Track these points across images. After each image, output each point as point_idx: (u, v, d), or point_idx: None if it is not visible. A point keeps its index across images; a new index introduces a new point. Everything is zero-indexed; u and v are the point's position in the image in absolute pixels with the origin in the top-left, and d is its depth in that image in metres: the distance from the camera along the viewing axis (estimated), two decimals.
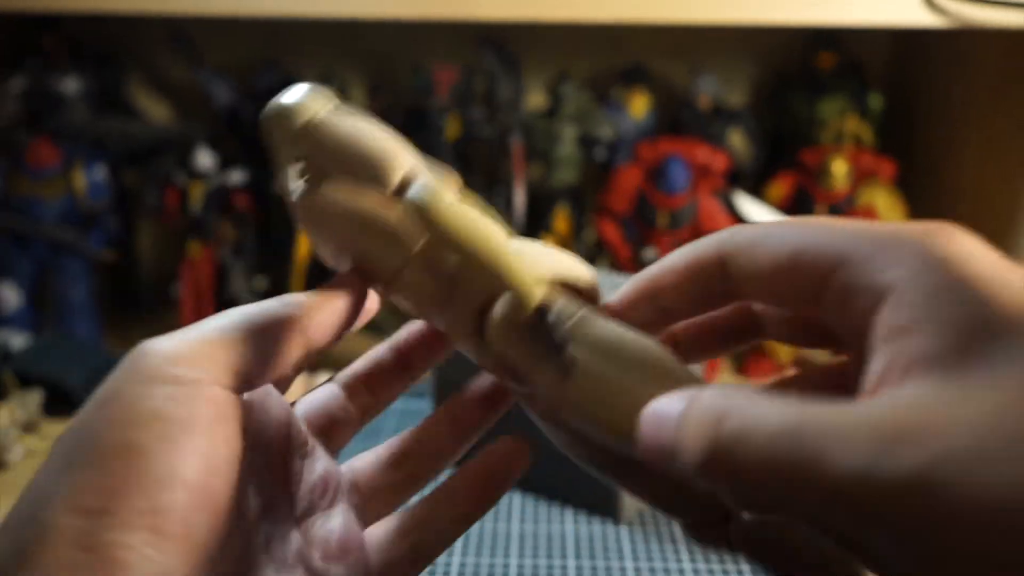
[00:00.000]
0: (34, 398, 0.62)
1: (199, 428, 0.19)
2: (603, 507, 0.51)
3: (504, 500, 0.53)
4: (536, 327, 0.23)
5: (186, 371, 0.20)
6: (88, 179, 0.73)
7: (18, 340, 0.72)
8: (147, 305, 0.88)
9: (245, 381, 0.21)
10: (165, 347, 0.20)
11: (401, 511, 0.27)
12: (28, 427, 0.61)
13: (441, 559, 0.47)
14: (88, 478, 0.18)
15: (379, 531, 0.26)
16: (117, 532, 0.18)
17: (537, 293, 0.23)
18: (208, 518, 0.19)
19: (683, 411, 0.18)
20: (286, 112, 0.24)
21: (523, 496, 0.53)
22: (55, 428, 0.62)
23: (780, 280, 0.21)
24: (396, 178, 0.24)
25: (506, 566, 0.46)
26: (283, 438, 0.25)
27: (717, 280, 0.22)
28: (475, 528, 0.50)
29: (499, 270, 0.23)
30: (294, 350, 0.22)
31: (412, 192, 0.23)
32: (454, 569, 0.46)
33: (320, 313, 0.23)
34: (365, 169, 0.24)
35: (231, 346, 0.21)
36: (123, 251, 0.85)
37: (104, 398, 0.20)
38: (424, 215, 0.23)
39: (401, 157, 0.24)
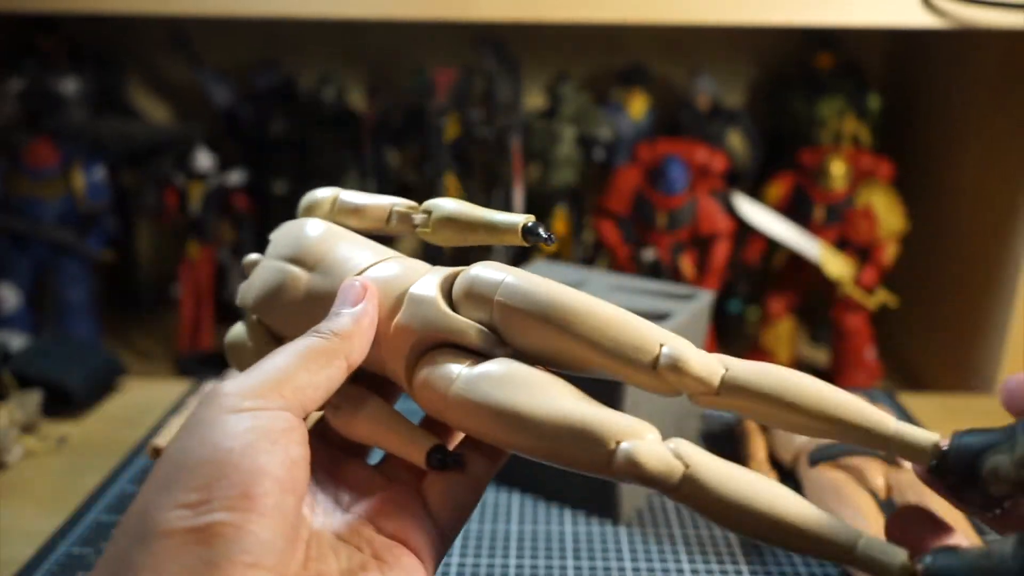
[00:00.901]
0: (33, 399, 0.62)
1: (278, 436, 0.24)
2: (602, 508, 0.51)
3: (504, 500, 0.53)
4: None
5: (258, 402, 0.24)
6: (87, 179, 0.73)
7: (17, 341, 0.72)
8: (146, 305, 0.88)
9: (303, 408, 0.25)
10: (236, 387, 0.25)
11: None
12: (27, 428, 0.61)
13: None
14: (186, 483, 0.22)
15: (432, 482, 0.30)
16: (217, 514, 0.22)
17: None
18: (293, 498, 0.23)
19: None
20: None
21: (523, 496, 0.53)
22: (54, 429, 0.62)
23: None
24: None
25: (505, 566, 0.46)
26: None
27: None
28: (475, 528, 0.50)
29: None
30: (339, 375, 0.27)
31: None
32: (453, 569, 0.46)
33: (356, 339, 0.28)
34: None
35: (288, 381, 0.25)
36: (122, 251, 0.85)
37: (191, 426, 0.24)
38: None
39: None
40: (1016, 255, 0.66)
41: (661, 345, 0.26)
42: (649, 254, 0.74)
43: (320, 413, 0.31)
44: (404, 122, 0.78)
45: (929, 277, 0.79)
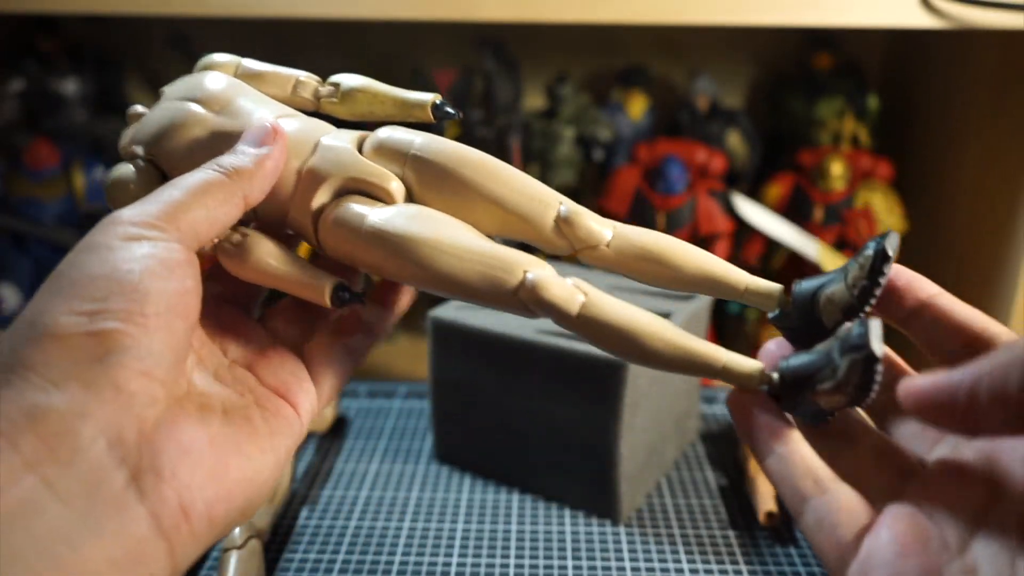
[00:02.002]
0: None
1: (172, 266, 0.24)
2: (602, 508, 0.51)
3: (504, 500, 0.53)
4: None
5: (155, 233, 0.24)
6: (87, 180, 0.73)
7: None
8: None
9: (197, 241, 0.26)
10: (134, 215, 0.25)
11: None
12: None
13: (440, 559, 0.47)
14: (81, 294, 0.23)
15: (316, 344, 0.31)
16: (112, 322, 0.22)
17: None
18: (183, 324, 0.24)
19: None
20: None
21: (523, 496, 0.53)
22: None
23: None
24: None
25: (505, 566, 0.46)
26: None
27: None
28: (474, 528, 0.50)
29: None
30: (235, 212, 0.27)
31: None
32: (453, 569, 0.46)
33: (257, 179, 0.28)
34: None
35: (184, 213, 0.25)
36: None
37: (88, 247, 0.24)
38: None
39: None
40: (1016, 255, 0.66)
41: (560, 203, 0.29)
42: None
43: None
44: (404, 122, 0.78)
45: (928, 277, 0.78)
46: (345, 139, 0.30)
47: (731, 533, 0.49)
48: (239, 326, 0.30)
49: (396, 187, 0.29)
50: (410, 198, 0.30)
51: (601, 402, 0.48)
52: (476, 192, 0.29)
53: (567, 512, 0.52)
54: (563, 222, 0.28)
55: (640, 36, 0.83)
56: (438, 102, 0.31)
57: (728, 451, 0.59)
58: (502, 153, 0.75)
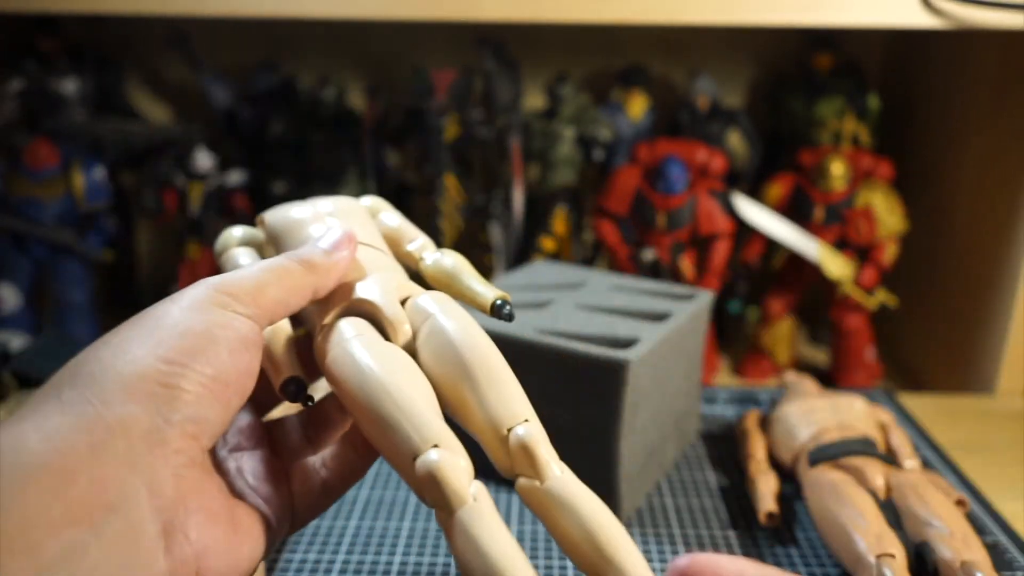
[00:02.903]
0: None
1: (249, 344, 0.26)
2: None
3: (503, 500, 0.53)
4: None
5: (241, 307, 0.26)
6: (87, 180, 0.73)
7: (17, 341, 0.72)
8: (146, 306, 0.88)
9: (269, 322, 0.28)
10: (227, 284, 0.27)
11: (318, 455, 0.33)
12: None
13: (440, 559, 0.47)
14: (171, 343, 0.24)
15: (300, 465, 0.32)
16: (186, 381, 0.24)
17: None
18: (238, 401, 0.26)
19: None
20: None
21: None
22: None
23: None
24: None
25: None
26: None
27: None
28: None
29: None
30: (303, 302, 0.29)
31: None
32: (453, 570, 0.46)
33: (331, 277, 0.30)
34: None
35: (265, 293, 0.27)
36: (122, 252, 0.85)
37: (185, 302, 0.26)
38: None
39: None
40: (1016, 255, 0.66)
41: (526, 420, 0.28)
42: (649, 254, 0.74)
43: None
44: (404, 122, 0.78)
45: (929, 277, 0.79)
46: (395, 281, 0.32)
47: (731, 533, 0.49)
48: (243, 419, 0.32)
49: (404, 334, 0.31)
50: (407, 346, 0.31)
51: (601, 402, 0.48)
52: (464, 380, 0.29)
53: None
54: (518, 444, 0.28)
55: (640, 36, 0.83)
56: (498, 303, 0.33)
57: (728, 451, 0.59)
58: (502, 153, 0.75)
